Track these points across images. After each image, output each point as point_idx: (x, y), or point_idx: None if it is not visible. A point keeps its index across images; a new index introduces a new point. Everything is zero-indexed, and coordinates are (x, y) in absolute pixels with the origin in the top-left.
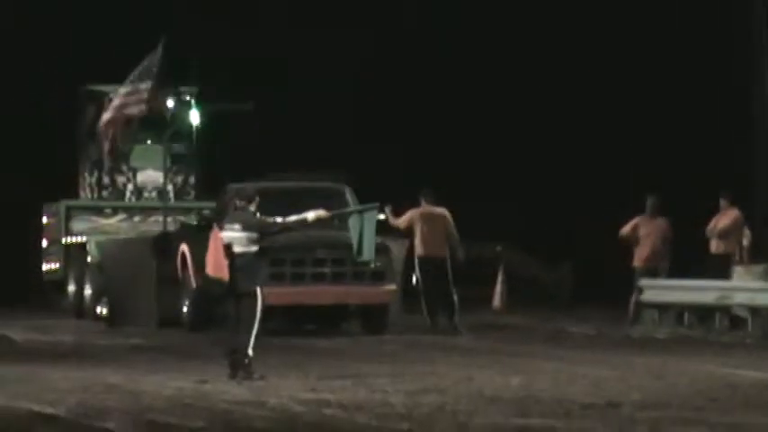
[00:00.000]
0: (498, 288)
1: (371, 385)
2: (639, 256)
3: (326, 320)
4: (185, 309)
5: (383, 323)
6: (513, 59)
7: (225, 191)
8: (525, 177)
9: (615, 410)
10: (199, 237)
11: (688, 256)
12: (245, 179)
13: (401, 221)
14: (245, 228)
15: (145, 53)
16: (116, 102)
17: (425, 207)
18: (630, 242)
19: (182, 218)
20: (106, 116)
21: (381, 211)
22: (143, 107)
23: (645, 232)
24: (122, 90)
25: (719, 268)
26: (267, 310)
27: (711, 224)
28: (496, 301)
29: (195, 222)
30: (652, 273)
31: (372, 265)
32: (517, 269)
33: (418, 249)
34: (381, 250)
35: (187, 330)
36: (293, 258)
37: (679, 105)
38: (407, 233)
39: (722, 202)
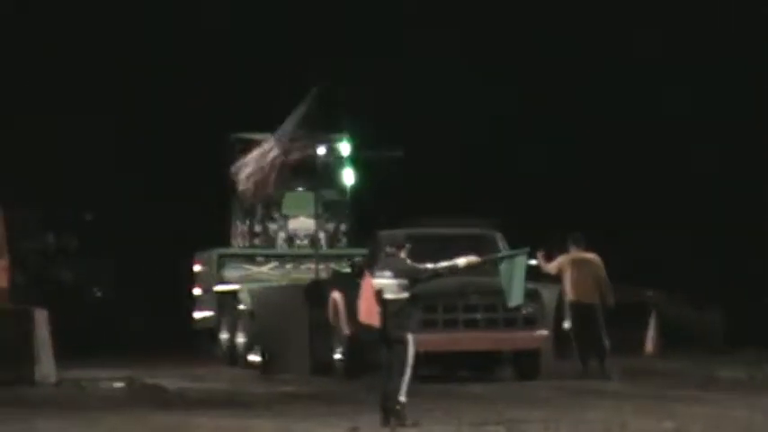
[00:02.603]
0: (650, 333)
1: (524, 431)
2: None
3: (479, 366)
4: (338, 356)
5: (536, 368)
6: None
7: (376, 238)
8: (675, 222)
9: None
10: (351, 284)
11: None
12: (397, 226)
13: (552, 267)
14: (396, 274)
15: (297, 101)
16: (270, 152)
17: (576, 252)
18: None
19: (333, 265)
20: (252, 168)
21: (533, 256)
22: (292, 156)
23: None
24: (274, 139)
25: None
26: (420, 356)
27: None
28: (648, 345)
29: (347, 269)
30: None
31: (524, 311)
32: (669, 314)
33: (569, 295)
34: (533, 296)
35: (340, 377)
36: (445, 304)
37: None
38: (559, 278)
39: None
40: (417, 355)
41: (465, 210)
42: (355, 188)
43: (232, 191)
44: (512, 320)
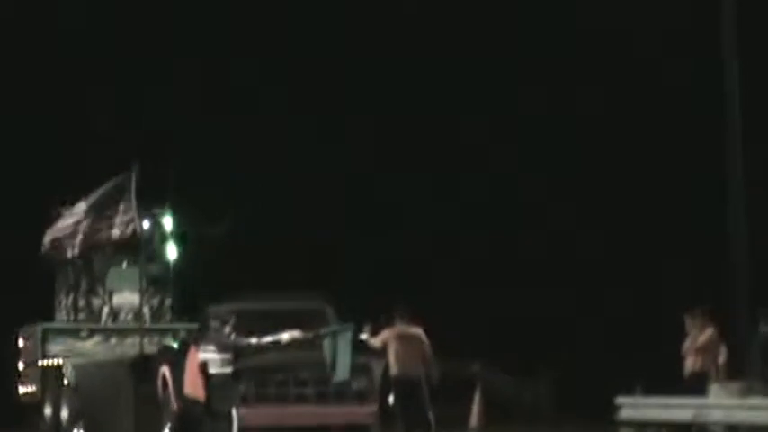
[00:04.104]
0: (475, 407)
1: None
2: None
3: None
4: (166, 431)
5: None
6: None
7: (205, 312)
8: (500, 294)
9: None
10: (179, 359)
11: (664, 374)
12: (225, 300)
13: (377, 341)
14: (220, 349)
15: (116, 174)
16: (90, 225)
17: (400, 327)
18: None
19: (163, 340)
20: (78, 239)
21: (359, 330)
22: (119, 231)
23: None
24: (96, 213)
25: (696, 385)
26: (249, 430)
27: (687, 342)
28: (473, 419)
29: (176, 344)
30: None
31: (354, 385)
32: (494, 387)
33: (393, 369)
34: (363, 370)
35: None
36: (276, 379)
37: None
38: (384, 353)
39: (688, 321)
40: (248, 429)
41: (295, 283)
42: (179, 263)
43: (53, 264)
44: (342, 395)
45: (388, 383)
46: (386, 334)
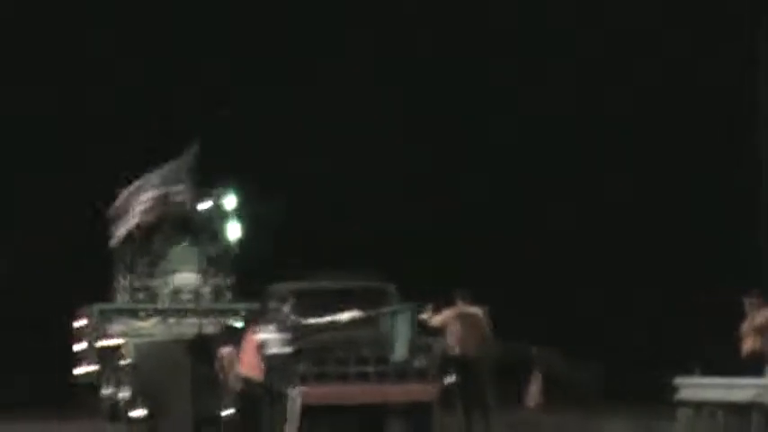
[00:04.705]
0: (532, 387)
1: None
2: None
3: (369, 419)
4: (228, 412)
5: (427, 422)
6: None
7: (266, 291)
8: (557, 276)
9: None
10: (242, 339)
11: (723, 354)
12: (286, 279)
13: (437, 320)
14: (279, 329)
15: (177, 154)
16: (147, 203)
17: (461, 307)
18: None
19: (222, 320)
20: (137, 218)
21: (421, 310)
22: (177, 208)
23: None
24: (153, 192)
25: (754, 366)
26: (310, 409)
27: (746, 322)
28: (531, 400)
29: (239, 324)
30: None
31: (416, 364)
32: (552, 368)
33: (453, 349)
34: (425, 349)
35: None
36: (337, 357)
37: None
38: (443, 333)
39: (747, 303)
40: (308, 408)
41: (357, 262)
42: (241, 242)
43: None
44: (404, 373)
45: (447, 363)
46: (446, 314)
